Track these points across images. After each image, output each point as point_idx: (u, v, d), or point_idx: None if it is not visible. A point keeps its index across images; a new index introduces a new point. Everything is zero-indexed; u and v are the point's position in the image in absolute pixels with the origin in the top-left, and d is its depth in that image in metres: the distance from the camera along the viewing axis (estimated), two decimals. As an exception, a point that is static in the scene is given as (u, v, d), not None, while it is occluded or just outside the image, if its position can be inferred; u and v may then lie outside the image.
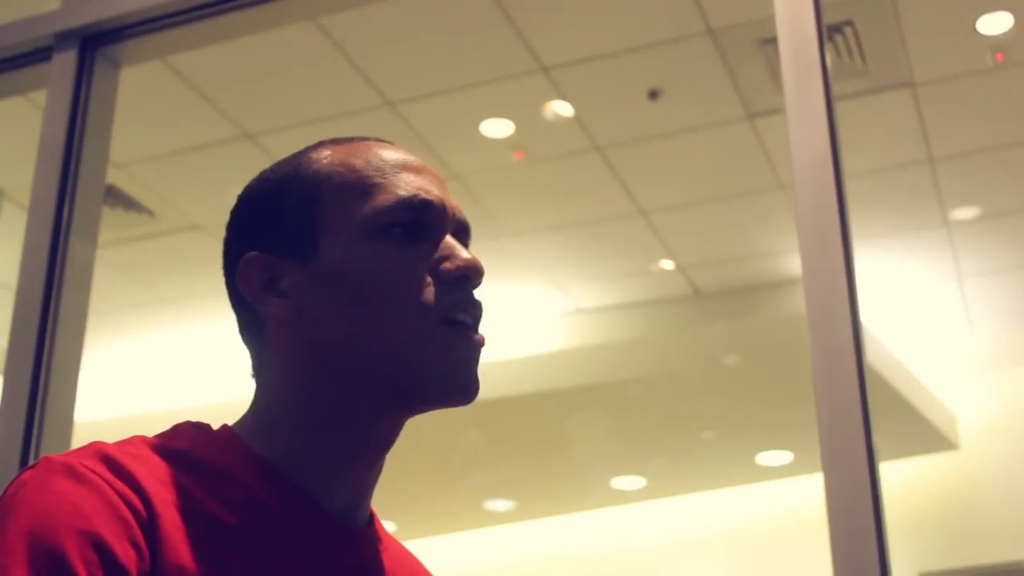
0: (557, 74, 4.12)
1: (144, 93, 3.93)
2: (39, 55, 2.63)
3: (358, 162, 1.01)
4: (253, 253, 1.00)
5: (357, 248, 0.97)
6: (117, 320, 5.65)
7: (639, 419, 6.17)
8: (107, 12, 2.54)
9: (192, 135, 4.41)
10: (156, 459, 0.92)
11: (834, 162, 1.87)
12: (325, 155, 1.02)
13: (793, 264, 5.11)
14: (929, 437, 6.20)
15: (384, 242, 0.97)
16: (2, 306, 2.52)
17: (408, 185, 1.00)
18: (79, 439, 0.97)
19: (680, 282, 5.56)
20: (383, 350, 0.95)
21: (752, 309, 5.59)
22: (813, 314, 1.79)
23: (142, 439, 0.95)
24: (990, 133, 4.51)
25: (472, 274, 0.99)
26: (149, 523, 0.85)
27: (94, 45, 2.56)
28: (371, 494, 1.02)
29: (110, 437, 0.94)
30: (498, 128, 4.44)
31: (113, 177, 4.48)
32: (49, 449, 2.19)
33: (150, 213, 4.88)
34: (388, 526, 1.06)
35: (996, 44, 4.00)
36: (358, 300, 0.96)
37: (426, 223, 0.99)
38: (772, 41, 2.08)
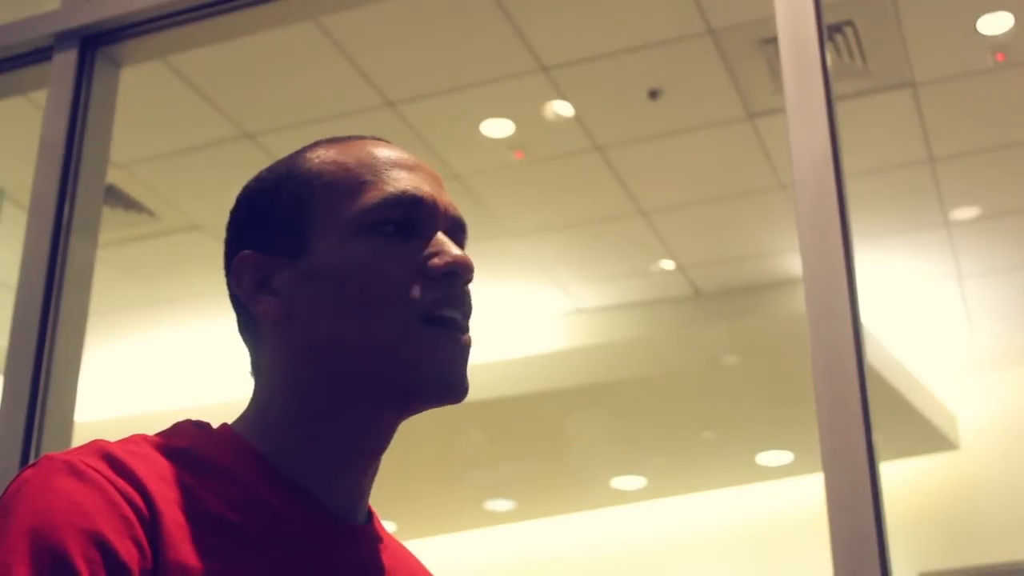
0: (557, 74, 4.12)
1: (144, 93, 3.93)
2: (39, 55, 2.63)
3: (350, 160, 1.01)
4: (246, 252, 1.01)
5: (345, 245, 0.97)
6: (117, 320, 5.65)
7: (639, 419, 6.16)
8: (107, 12, 2.54)
9: (192, 135, 4.41)
10: (157, 457, 0.92)
11: (834, 162, 1.87)
12: (318, 154, 1.03)
13: (793, 264, 5.11)
14: (929, 437, 6.20)
15: (373, 239, 0.97)
16: (2, 306, 2.52)
17: (398, 182, 1.00)
18: (79, 439, 0.97)
19: (680, 282, 5.56)
20: (369, 349, 0.95)
21: (752, 309, 5.59)
22: (813, 314, 1.79)
23: (143, 437, 0.95)
24: (990, 133, 4.51)
25: (460, 270, 0.98)
26: (150, 521, 0.86)
27: (94, 45, 2.56)
28: (369, 492, 1.02)
29: (110, 437, 0.94)
30: (498, 128, 4.44)
31: (113, 177, 4.48)
32: (49, 449, 2.19)
33: (150, 213, 4.88)
34: (388, 526, 1.06)
35: (996, 44, 4.00)
36: (345, 298, 0.96)
37: (417, 220, 0.99)
38: (772, 41, 2.08)
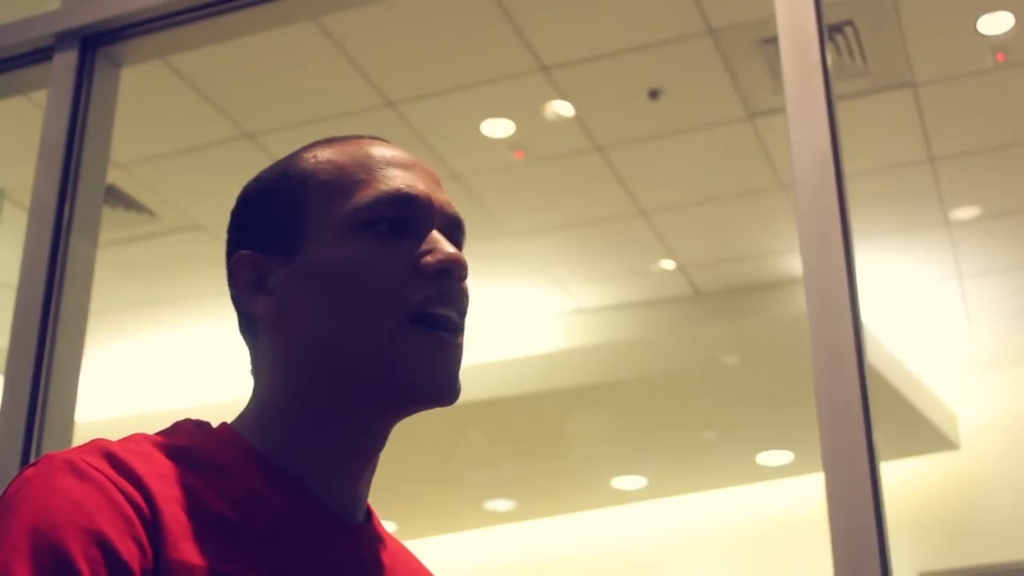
0: (558, 74, 4.12)
1: (145, 93, 3.93)
2: (40, 55, 2.63)
3: (345, 159, 1.01)
4: (243, 252, 1.01)
5: (338, 244, 0.97)
6: (118, 320, 5.65)
7: (640, 419, 6.17)
8: (108, 12, 2.54)
9: (193, 135, 4.41)
10: (158, 456, 0.92)
11: (835, 162, 1.87)
12: (315, 154, 1.03)
13: (794, 264, 5.11)
14: (929, 437, 6.20)
15: (366, 237, 0.97)
16: (3, 306, 2.52)
17: (393, 180, 1.00)
18: (80, 439, 0.97)
19: (681, 282, 5.56)
20: (359, 349, 0.95)
21: (753, 309, 5.59)
22: (814, 314, 1.79)
23: (143, 436, 0.96)
24: (991, 133, 4.51)
25: (453, 267, 0.97)
26: (151, 519, 0.86)
27: (95, 45, 2.56)
28: (367, 490, 1.02)
29: (111, 437, 0.95)
30: (499, 128, 4.44)
31: (114, 177, 4.48)
32: (50, 449, 2.19)
33: (150, 213, 4.88)
34: (389, 526, 1.06)
35: (997, 44, 4.00)
36: (337, 296, 0.96)
37: (412, 218, 0.99)
38: (773, 41, 2.08)
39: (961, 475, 6.39)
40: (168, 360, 6.07)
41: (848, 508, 1.66)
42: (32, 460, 2.09)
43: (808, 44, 1.96)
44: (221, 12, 2.51)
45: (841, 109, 1.94)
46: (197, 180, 4.70)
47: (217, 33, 2.72)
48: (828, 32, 1.99)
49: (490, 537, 7.41)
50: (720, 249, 5.37)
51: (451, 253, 0.97)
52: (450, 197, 1.04)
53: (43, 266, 2.35)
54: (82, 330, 2.40)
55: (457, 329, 0.98)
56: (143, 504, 0.86)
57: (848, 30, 3.90)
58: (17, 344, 2.30)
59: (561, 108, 4.34)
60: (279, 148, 4.25)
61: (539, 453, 6.44)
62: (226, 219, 1.06)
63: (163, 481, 0.89)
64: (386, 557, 1.01)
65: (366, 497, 1.02)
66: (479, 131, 4.45)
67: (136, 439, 0.94)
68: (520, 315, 5.78)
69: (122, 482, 0.86)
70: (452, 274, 0.98)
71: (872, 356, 1.90)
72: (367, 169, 1.00)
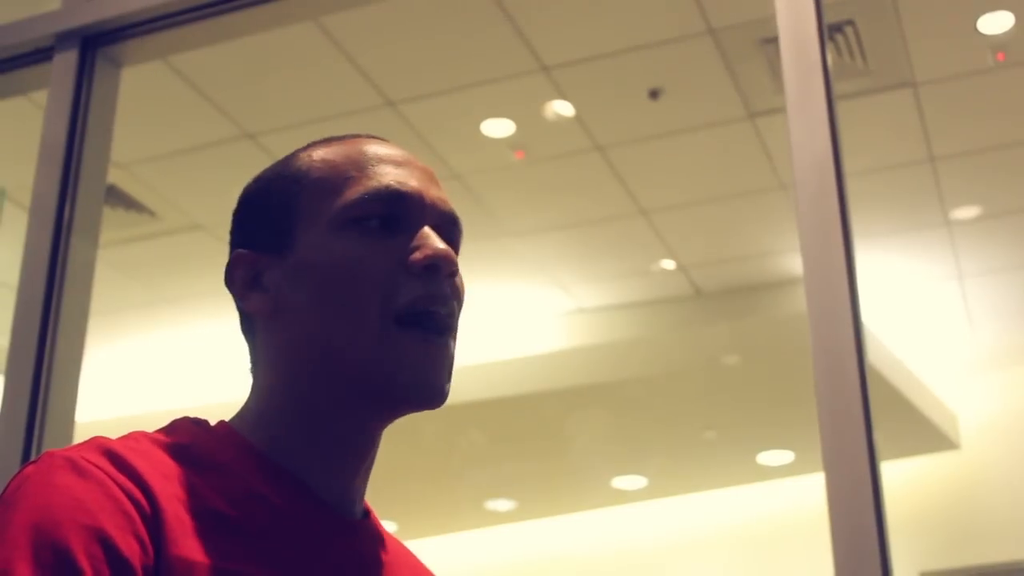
0: (558, 74, 4.12)
1: (145, 93, 3.93)
2: (40, 55, 2.63)
3: (338, 158, 1.01)
4: (240, 250, 1.02)
5: (328, 241, 0.98)
6: (118, 320, 5.65)
7: (640, 419, 6.16)
8: (108, 12, 2.54)
9: (193, 135, 4.41)
10: (158, 453, 0.92)
11: (835, 161, 1.87)
12: (310, 153, 1.03)
13: (794, 264, 5.11)
14: (930, 436, 6.20)
15: (356, 234, 0.97)
16: (3, 306, 2.52)
17: (383, 177, 0.99)
18: (80, 439, 0.97)
19: (681, 282, 5.56)
20: (347, 347, 0.95)
21: (753, 309, 5.59)
22: (814, 314, 1.79)
23: (143, 434, 0.96)
24: (991, 132, 4.50)
25: (441, 263, 0.97)
26: (152, 517, 0.86)
27: (95, 45, 2.57)
28: (365, 487, 1.02)
29: (111, 436, 0.95)
30: (499, 128, 4.44)
31: (114, 177, 4.48)
32: (51, 449, 2.19)
33: (151, 213, 4.88)
34: (389, 526, 1.06)
35: (997, 43, 4.00)
36: (325, 294, 0.96)
37: (402, 215, 0.99)
38: (773, 41, 2.08)
39: (961, 475, 6.39)
40: (168, 360, 6.07)
41: (849, 508, 1.66)
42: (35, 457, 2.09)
43: (808, 44, 1.96)
44: (221, 12, 2.52)
45: (841, 109, 1.94)
46: (197, 180, 4.70)
47: (217, 33, 2.72)
48: (828, 32, 1.99)
49: (490, 537, 7.41)
50: (720, 249, 5.37)
51: (439, 249, 0.97)
52: (450, 197, 1.04)
53: (43, 266, 2.35)
54: (82, 330, 2.40)
55: (447, 328, 0.98)
56: (143, 501, 0.86)
57: (848, 30, 3.90)
58: (18, 344, 2.30)
59: (561, 108, 4.34)
60: (279, 148, 4.24)
61: (540, 453, 6.44)
62: (226, 219, 1.07)
63: (163, 479, 0.89)
64: (385, 554, 1.01)
65: (363, 494, 1.02)
66: (479, 131, 4.45)
67: (136, 437, 0.95)
68: (520, 315, 5.78)
69: (122, 479, 0.86)
70: (441, 270, 0.97)
71: (872, 356, 1.90)
72: (359, 166, 1.00)
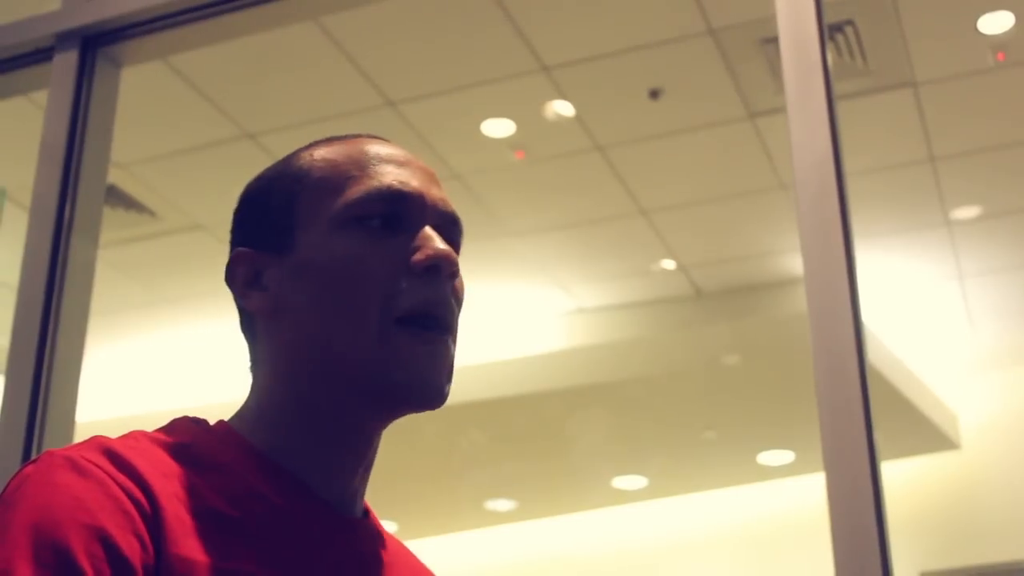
0: (558, 74, 4.12)
1: (145, 93, 3.93)
2: (40, 55, 2.63)
3: (339, 157, 1.02)
4: (241, 249, 1.02)
5: (329, 240, 0.97)
6: (118, 320, 5.65)
7: (640, 419, 6.16)
8: (108, 12, 2.54)
9: (193, 135, 4.41)
10: (157, 452, 0.92)
11: (835, 161, 1.87)
12: (312, 152, 1.03)
13: (794, 263, 5.11)
14: (930, 436, 6.20)
15: (357, 234, 0.97)
16: (4, 306, 2.52)
17: (384, 176, 0.99)
18: (80, 439, 0.97)
19: (681, 282, 5.56)
20: (347, 347, 0.95)
21: (753, 309, 5.59)
22: (814, 313, 1.79)
23: (142, 433, 0.96)
24: (991, 132, 4.50)
25: (442, 263, 0.97)
26: (152, 516, 0.86)
27: (95, 45, 2.56)
28: (365, 486, 1.02)
29: (111, 436, 0.95)
30: (499, 128, 4.44)
31: (114, 177, 4.48)
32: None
33: (151, 213, 4.88)
34: (390, 526, 1.06)
35: (997, 43, 4.00)
36: (325, 293, 0.96)
37: (403, 214, 0.99)
38: (773, 40, 2.08)
39: (962, 475, 6.39)
40: (169, 360, 6.08)
41: (849, 508, 1.66)
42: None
43: (809, 44, 1.96)
44: (221, 12, 2.52)
45: (842, 109, 1.94)
46: (198, 180, 4.70)
47: (218, 33, 2.72)
48: (828, 32, 1.99)
49: (491, 537, 7.41)
50: (721, 249, 5.37)
51: (440, 249, 0.97)
52: (450, 197, 1.04)
53: (44, 266, 2.35)
54: (83, 330, 2.40)
55: (447, 329, 0.98)
56: (143, 500, 0.86)
57: (848, 30, 3.90)
58: (18, 344, 2.30)
59: (562, 108, 4.34)
60: (280, 148, 4.24)
61: (540, 453, 6.44)
62: (227, 219, 1.07)
63: (163, 478, 0.89)
64: (385, 553, 1.01)
65: (363, 493, 1.02)
66: (480, 131, 4.45)
67: (135, 436, 0.95)
68: (521, 315, 5.78)
69: (122, 478, 0.86)
70: (442, 270, 0.97)
71: (873, 356, 1.90)
72: (360, 166, 1.00)
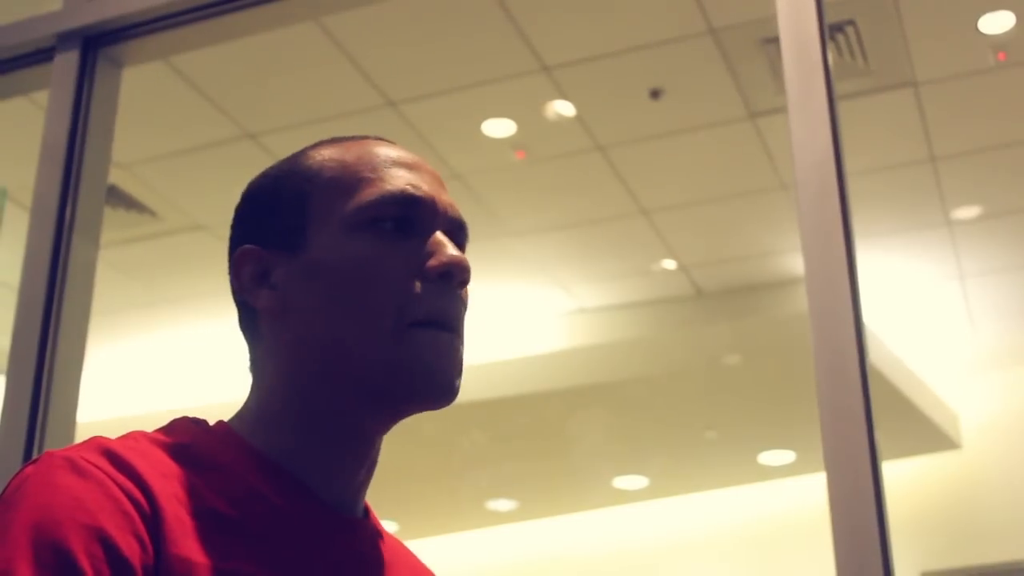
0: (559, 74, 4.12)
1: (146, 93, 3.93)
2: (41, 55, 2.63)
3: (350, 158, 1.02)
4: (247, 246, 1.01)
5: (342, 242, 0.98)
6: (119, 320, 5.66)
7: (641, 419, 6.16)
8: (109, 12, 2.54)
9: (194, 135, 4.41)
10: (157, 453, 0.92)
11: (836, 161, 1.87)
12: (321, 152, 1.03)
13: (795, 263, 5.11)
14: (931, 436, 6.20)
15: (370, 236, 0.98)
16: (5, 306, 2.52)
17: (398, 180, 1.00)
18: (81, 439, 0.97)
19: (682, 282, 5.56)
20: (359, 346, 0.95)
21: (754, 309, 5.59)
22: (815, 313, 1.79)
23: (142, 434, 0.96)
24: (992, 132, 4.50)
25: (456, 271, 0.98)
26: (152, 516, 0.86)
27: (96, 45, 2.56)
28: (366, 488, 1.02)
29: (113, 437, 0.95)
30: (500, 128, 4.44)
31: (115, 177, 4.48)
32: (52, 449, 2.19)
33: (152, 213, 4.88)
34: (390, 526, 1.06)
35: (998, 43, 4.00)
36: (340, 294, 0.96)
37: (415, 218, 0.99)
38: (774, 40, 2.08)
39: (963, 475, 6.39)
40: (169, 360, 6.08)
41: (850, 508, 1.66)
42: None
43: (809, 44, 1.96)
44: (222, 12, 2.52)
45: (842, 109, 1.94)
46: (199, 180, 4.70)
47: (219, 33, 2.72)
48: (829, 32, 1.99)
49: (492, 537, 7.41)
50: (721, 249, 5.37)
51: (455, 256, 0.98)
52: (451, 197, 1.04)
53: (45, 266, 2.35)
54: (84, 330, 2.40)
55: (457, 332, 0.98)
56: (143, 501, 0.86)
57: (849, 30, 3.90)
58: (19, 344, 2.31)
59: (562, 108, 4.34)
60: (281, 148, 4.24)
61: (541, 453, 6.44)
62: (228, 219, 1.06)
63: (163, 478, 0.89)
64: (385, 553, 1.01)
65: (364, 494, 1.02)
66: (480, 131, 4.45)
67: (135, 436, 0.95)
68: (521, 315, 5.78)
69: (122, 479, 0.86)
70: (455, 277, 0.98)
71: (874, 356, 1.90)
72: (372, 168, 1.01)
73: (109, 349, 5.86)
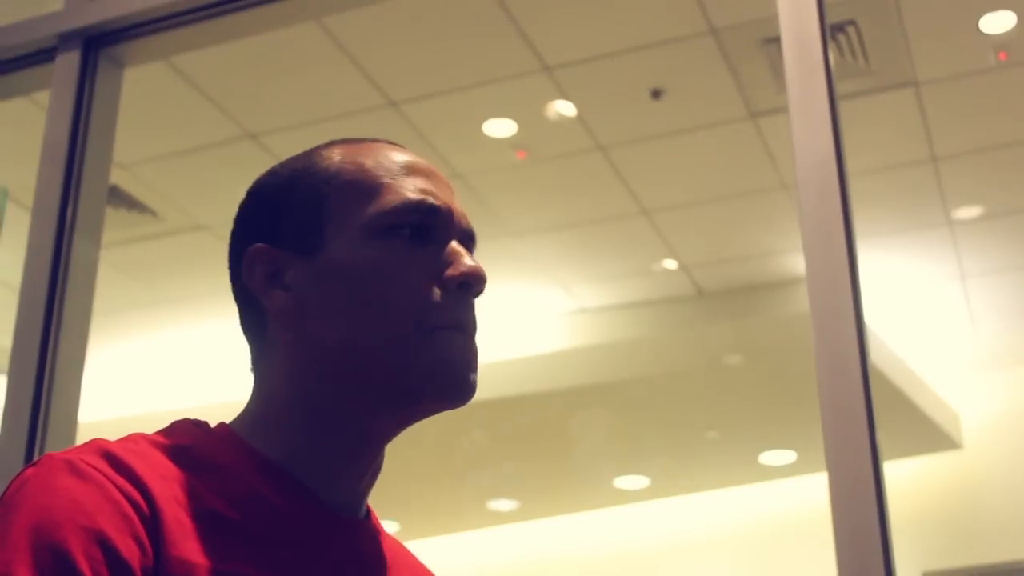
0: (560, 74, 4.12)
1: (147, 93, 3.93)
2: (43, 56, 2.63)
3: (368, 162, 1.02)
4: (260, 244, 1.01)
5: (362, 246, 0.98)
6: (120, 320, 5.66)
7: (642, 419, 6.16)
8: (111, 12, 2.54)
9: (195, 135, 4.41)
10: (157, 455, 0.92)
11: (837, 161, 1.87)
12: (336, 153, 1.03)
13: (796, 263, 5.11)
14: (932, 436, 6.20)
15: (389, 242, 0.98)
16: (6, 306, 2.52)
17: (417, 188, 1.00)
18: (83, 439, 0.97)
19: (683, 282, 5.56)
20: (378, 350, 0.95)
21: (755, 309, 5.59)
22: (817, 313, 1.79)
23: (142, 436, 0.96)
24: (993, 132, 4.50)
25: (474, 280, 0.99)
26: (151, 519, 0.86)
27: (97, 45, 2.57)
28: (370, 490, 1.02)
29: (113, 437, 0.95)
30: (501, 128, 4.44)
31: (116, 178, 4.48)
32: (53, 449, 2.19)
33: (153, 213, 4.88)
34: (391, 526, 1.07)
35: (999, 43, 4.00)
36: (358, 297, 0.97)
37: (431, 226, 1.00)
38: (775, 40, 2.08)
39: (964, 474, 6.39)
40: (171, 360, 6.08)
41: (851, 508, 1.66)
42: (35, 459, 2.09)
43: (810, 44, 1.96)
44: (224, 13, 2.52)
45: (843, 109, 1.94)
46: (200, 180, 4.70)
47: (220, 34, 2.72)
48: (830, 31, 1.99)
49: (493, 537, 7.41)
50: (723, 249, 5.37)
51: (473, 267, 0.99)
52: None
53: (46, 267, 2.35)
54: (85, 330, 2.40)
55: (473, 335, 1.00)
56: (142, 503, 0.86)
57: (850, 30, 3.90)
58: (20, 344, 2.31)
59: (563, 108, 4.34)
60: (282, 148, 4.25)
61: (542, 453, 6.44)
62: (229, 220, 1.05)
63: (162, 480, 0.89)
64: (385, 554, 1.01)
65: (367, 496, 1.02)
66: (481, 131, 4.45)
67: (135, 439, 0.94)
68: (522, 315, 5.78)
69: (121, 481, 0.86)
70: (473, 287, 0.99)
71: (875, 356, 1.90)
72: (391, 173, 1.01)
73: (110, 349, 5.87)
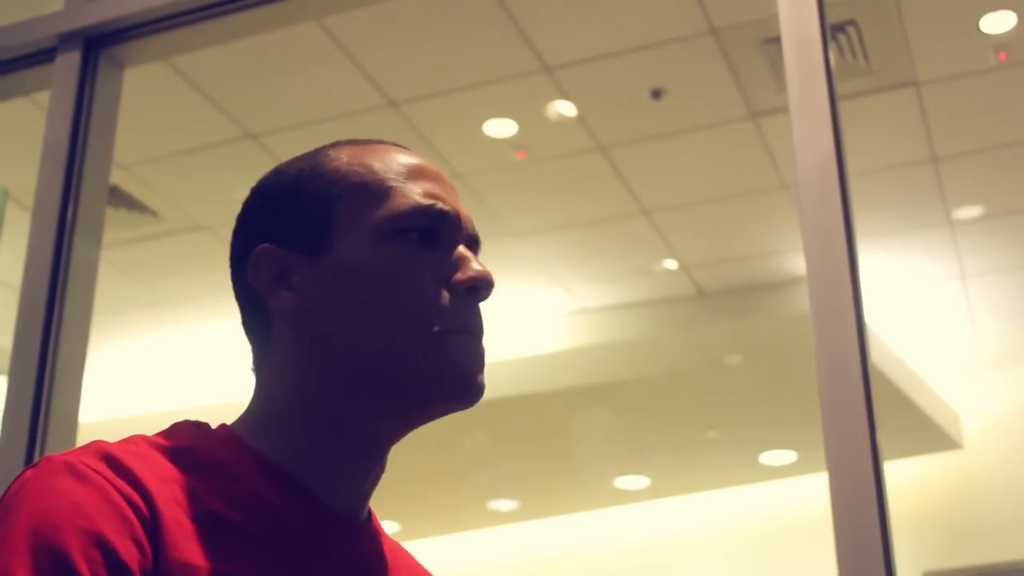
0: (560, 74, 4.12)
1: (148, 94, 3.93)
2: (43, 56, 2.63)
3: (376, 164, 1.02)
4: (266, 245, 1.00)
5: (371, 248, 0.98)
6: (121, 321, 5.66)
7: (643, 419, 6.16)
8: (111, 13, 2.54)
9: (196, 136, 4.41)
10: (157, 457, 0.92)
11: (838, 161, 1.87)
12: (343, 154, 1.03)
13: (797, 263, 5.11)
14: (933, 436, 6.20)
15: (398, 245, 0.98)
16: (6, 307, 2.52)
17: (426, 192, 1.01)
18: (83, 440, 0.97)
19: (684, 282, 5.56)
20: (387, 353, 0.95)
21: (756, 309, 5.59)
22: (817, 313, 1.79)
23: (142, 437, 0.96)
24: (993, 132, 4.50)
25: (483, 285, 1.00)
26: (151, 521, 0.86)
27: (98, 46, 2.57)
28: (372, 492, 1.02)
29: (114, 438, 0.95)
30: (501, 128, 4.44)
31: (117, 178, 4.48)
32: (53, 449, 2.19)
33: (153, 214, 4.89)
34: (392, 526, 1.07)
35: (999, 43, 4.00)
36: (367, 299, 0.97)
37: (439, 230, 1.00)
38: (775, 40, 2.08)
39: (964, 474, 6.38)
40: (171, 360, 6.08)
41: (852, 508, 1.66)
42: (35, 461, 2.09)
43: (811, 44, 1.96)
44: (224, 13, 2.52)
45: (844, 109, 1.94)
46: (200, 181, 4.70)
47: (220, 34, 2.72)
48: (831, 32, 1.99)
49: (493, 537, 7.41)
50: (723, 249, 5.37)
51: (481, 272, 0.99)
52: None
53: (46, 267, 2.36)
54: (85, 331, 2.40)
55: (481, 338, 1.01)
56: (142, 505, 0.86)
57: (851, 30, 3.90)
58: (21, 345, 2.31)
59: (564, 108, 4.34)
60: (282, 149, 4.25)
61: (542, 453, 6.44)
62: (229, 220, 1.05)
63: (162, 482, 0.89)
64: (385, 555, 1.01)
65: (369, 499, 1.02)
66: (482, 131, 4.45)
67: (135, 440, 0.94)
68: (523, 315, 5.78)
69: (121, 483, 0.86)
70: (481, 291, 1.00)
71: (875, 356, 1.90)
72: (399, 176, 1.01)
73: (111, 349, 5.87)
